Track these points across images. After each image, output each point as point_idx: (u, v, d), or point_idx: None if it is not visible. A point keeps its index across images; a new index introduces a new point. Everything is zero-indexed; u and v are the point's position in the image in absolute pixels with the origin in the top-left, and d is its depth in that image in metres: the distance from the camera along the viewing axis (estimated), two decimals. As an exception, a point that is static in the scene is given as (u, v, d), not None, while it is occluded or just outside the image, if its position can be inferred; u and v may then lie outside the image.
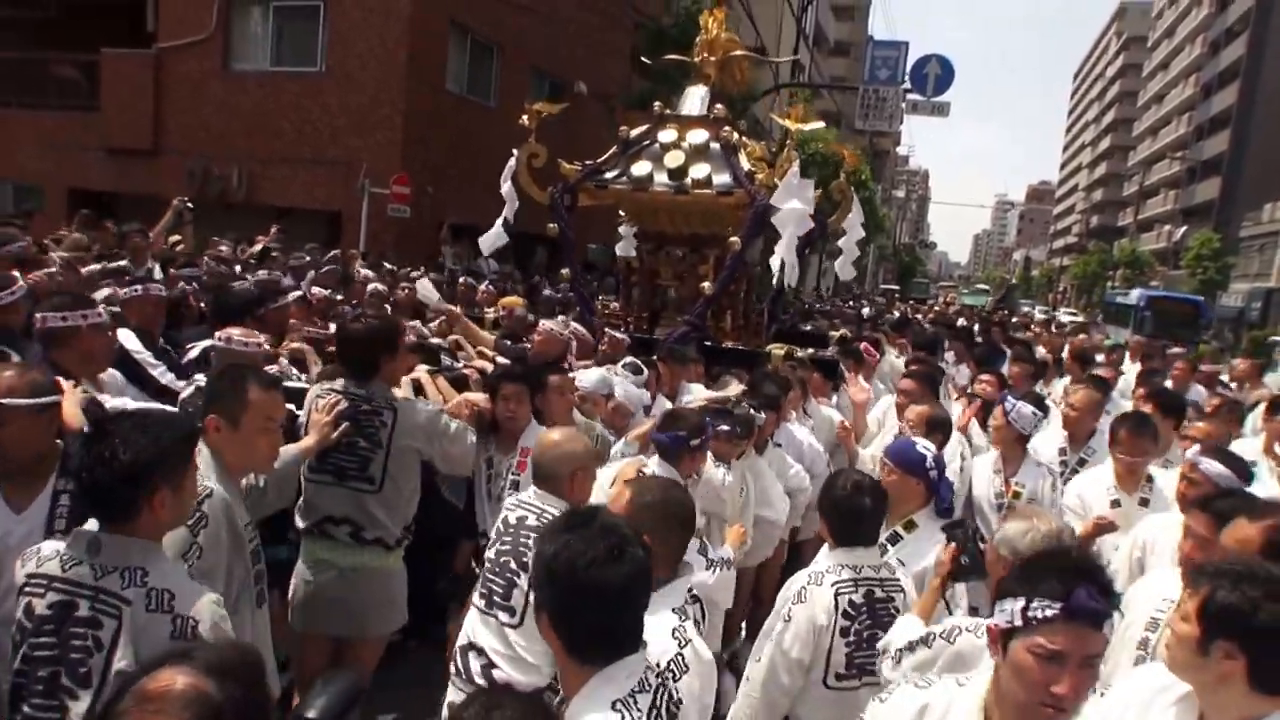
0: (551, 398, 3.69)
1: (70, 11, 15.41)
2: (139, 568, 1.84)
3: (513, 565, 2.59)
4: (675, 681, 1.85)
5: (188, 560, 2.17)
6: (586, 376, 4.13)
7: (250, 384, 2.47)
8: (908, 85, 21.11)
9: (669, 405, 4.36)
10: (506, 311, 6.09)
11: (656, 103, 6.35)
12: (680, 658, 1.94)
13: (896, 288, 45.89)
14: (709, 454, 3.47)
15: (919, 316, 18.92)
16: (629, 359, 4.58)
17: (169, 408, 3.11)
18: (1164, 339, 15.73)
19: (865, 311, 15.74)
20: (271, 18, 14.03)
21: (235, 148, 14.02)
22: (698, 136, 5.84)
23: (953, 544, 2.51)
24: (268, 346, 3.69)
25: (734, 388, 4.37)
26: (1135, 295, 29.51)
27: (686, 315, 5.75)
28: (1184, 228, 54.99)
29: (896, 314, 18.52)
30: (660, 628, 1.95)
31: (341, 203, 13.46)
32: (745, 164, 5.81)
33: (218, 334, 3.52)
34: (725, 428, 3.59)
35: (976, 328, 14.20)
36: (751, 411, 3.84)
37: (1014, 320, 23.57)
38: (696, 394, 4.54)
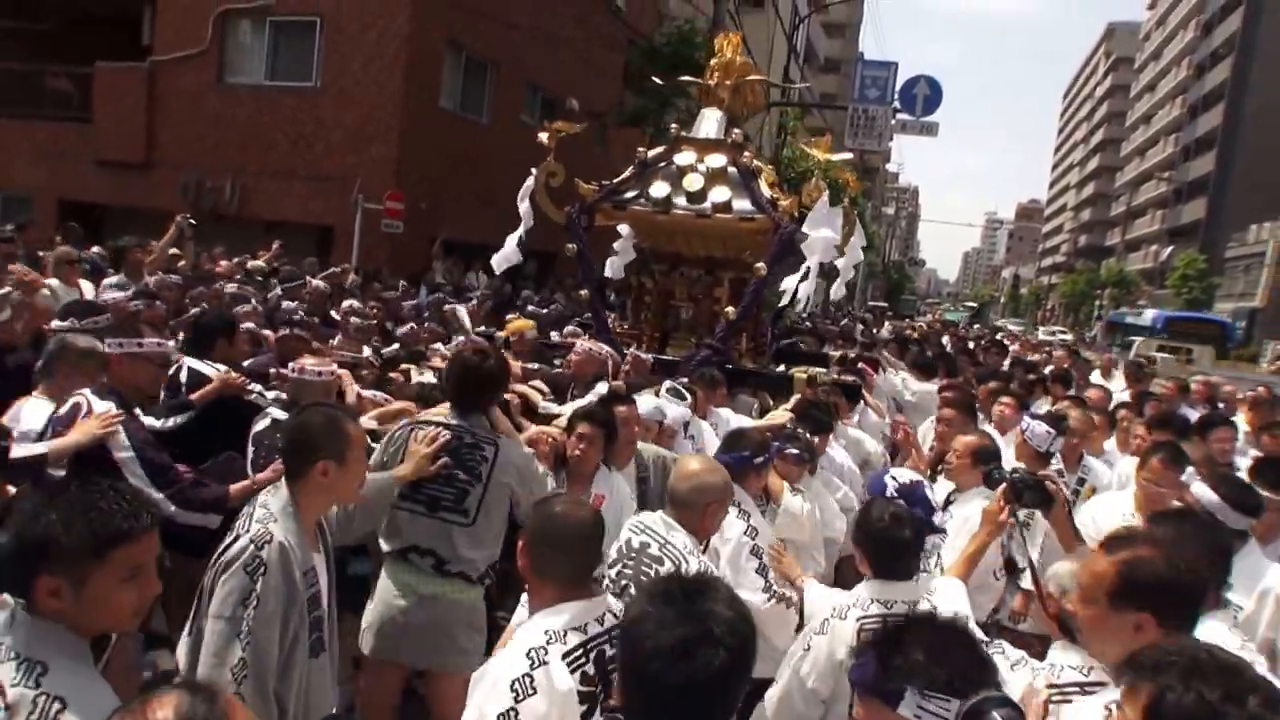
0: (619, 429, 3.64)
1: (67, 24, 15.52)
2: (40, 662, 1.55)
3: (627, 588, 2.53)
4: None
5: (247, 608, 2.14)
6: (641, 404, 4.10)
7: (345, 420, 2.47)
8: (897, 105, 21.40)
9: (703, 427, 4.45)
10: (516, 336, 6.00)
11: (674, 125, 6.39)
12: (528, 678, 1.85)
13: (885, 304, 46.21)
14: (785, 482, 3.56)
15: (909, 332, 19.09)
16: (670, 384, 4.55)
17: (128, 483, 2.92)
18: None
19: (859, 330, 15.78)
20: (268, 32, 14.11)
21: (228, 161, 14.06)
22: (716, 160, 5.86)
23: (1002, 483, 2.65)
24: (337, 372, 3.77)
25: (781, 414, 4.45)
26: (1150, 316, 28.48)
27: (706, 339, 5.79)
28: (1170, 248, 55.51)
29: (885, 331, 18.68)
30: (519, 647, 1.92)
31: (334, 217, 13.51)
32: (766, 190, 5.87)
33: (291, 364, 3.57)
34: (794, 451, 3.66)
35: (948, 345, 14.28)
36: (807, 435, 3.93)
37: (991, 336, 23.65)
38: (726, 417, 4.61)
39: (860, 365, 6.46)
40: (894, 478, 3.18)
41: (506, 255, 6.08)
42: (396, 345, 5.44)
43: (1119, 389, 8.27)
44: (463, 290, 12.36)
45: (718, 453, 3.48)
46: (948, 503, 3.65)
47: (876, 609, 2.49)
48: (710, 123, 6.09)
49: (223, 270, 8.30)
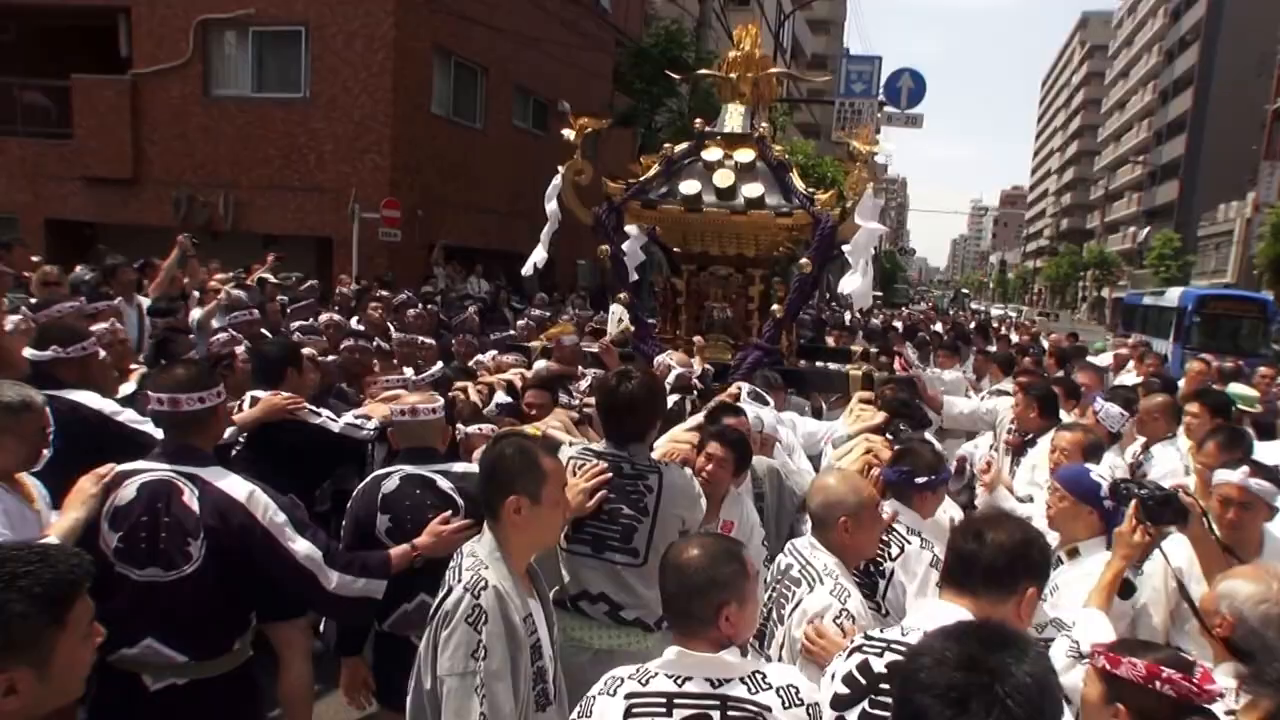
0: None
1: (34, 37, 15.19)
2: None
3: (770, 614, 2.39)
4: None
5: (477, 660, 2.02)
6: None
7: (539, 453, 2.25)
8: (883, 99, 21.47)
9: (782, 433, 4.17)
10: (554, 342, 5.73)
11: (698, 120, 6.22)
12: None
13: (880, 294, 46.49)
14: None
15: (898, 320, 19.29)
16: (748, 386, 4.39)
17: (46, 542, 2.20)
18: (1219, 353, 12.10)
19: (847, 318, 15.87)
20: (251, 43, 13.94)
21: (220, 175, 13.89)
22: (744, 155, 5.72)
23: (1133, 500, 2.50)
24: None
25: (869, 413, 4.16)
26: (1175, 295, 21.56)
27: (753, 339, 5.63)
28: (1147, 228, 56.31)
29: (878, 320, 18.80)
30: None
31: (332, 228, 13.40)
32: (799, 184, 5.74)
33: (394, 407, 3.15)
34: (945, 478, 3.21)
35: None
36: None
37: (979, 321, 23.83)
38: (790, 420, 4.41)
39: (897, 359, 6.36)
40: (1102, 476, 2.92)
41: (537, 257, 5.91)
42: (440, 365, 5.13)
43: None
44: (465, 296, 12.33)
45: (886, 470, 3.16)
46: None
47: None
48: (735, 117, 5.92)
49: (215, 284, 8.17)
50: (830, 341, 9.73)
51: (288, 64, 13.81)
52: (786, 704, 1.76)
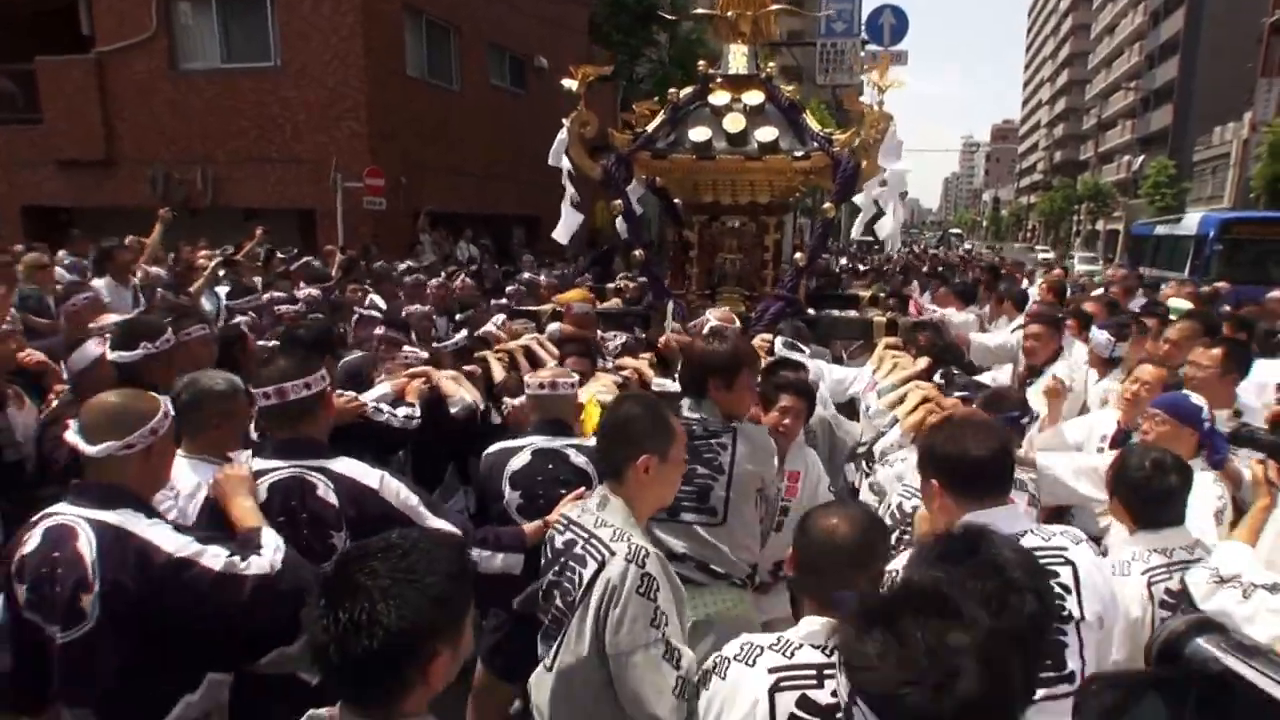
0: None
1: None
2: None
3: None
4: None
5: (659, 628, 1.95)
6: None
7: (668, 413, 2.24)
8: (865, 37, 21.05)
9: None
10: (565, 306, 5.59)
11: (701, 63, 5.98)
12: None
13: (872, 238, 46.29)
14: None
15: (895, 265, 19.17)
16: (783, 338, 4.31)
17: (430, 527, 2.42)
18: (1244, 283, 10.79)
19: (839, 265, 15.80)
20: (215, 13, 13.62)
21: (195, 151, 13.69)
22: (753, 97, 5.48)
23: (1255, 451, 2.68)
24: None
25: (906, 359, 4.07)
26: (1194, 221, 19.04)
27: (776, 289, 5.49)
28: (1142, 156, 55.78)
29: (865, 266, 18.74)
30: None
31: (314, 199, 13.23)
32: (815, 125, 5.55)
33: (531, 379, 3.11)
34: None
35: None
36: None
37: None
38: (818, 369, 4.25)
39: (911, 302, 6.34)
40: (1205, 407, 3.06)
41: (568, 223, 5.69)
42: (463, 333, 4.90)
43: None
44: (452, 260, 12.21)
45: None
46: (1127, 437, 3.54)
47: (1159, 559, 2.35)
48: (738, 58, 5.67)
49: (202, 262, 8.10)
50: (858, 290, 9.52)
51: (254, 32, 13.50)
52: None
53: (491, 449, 3.01)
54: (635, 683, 1.94)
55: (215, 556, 2.06)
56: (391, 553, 1.37)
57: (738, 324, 4.81)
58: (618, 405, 2.31)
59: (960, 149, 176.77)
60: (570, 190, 5.64)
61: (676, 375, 3.97)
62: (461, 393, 3.53)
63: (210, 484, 2.35)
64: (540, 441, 2.93)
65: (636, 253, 5.80)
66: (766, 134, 5.34)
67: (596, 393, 3.43)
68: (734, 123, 5.38)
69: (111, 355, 3.20)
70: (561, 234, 5.78)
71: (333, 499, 2.36)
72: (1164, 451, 2.54)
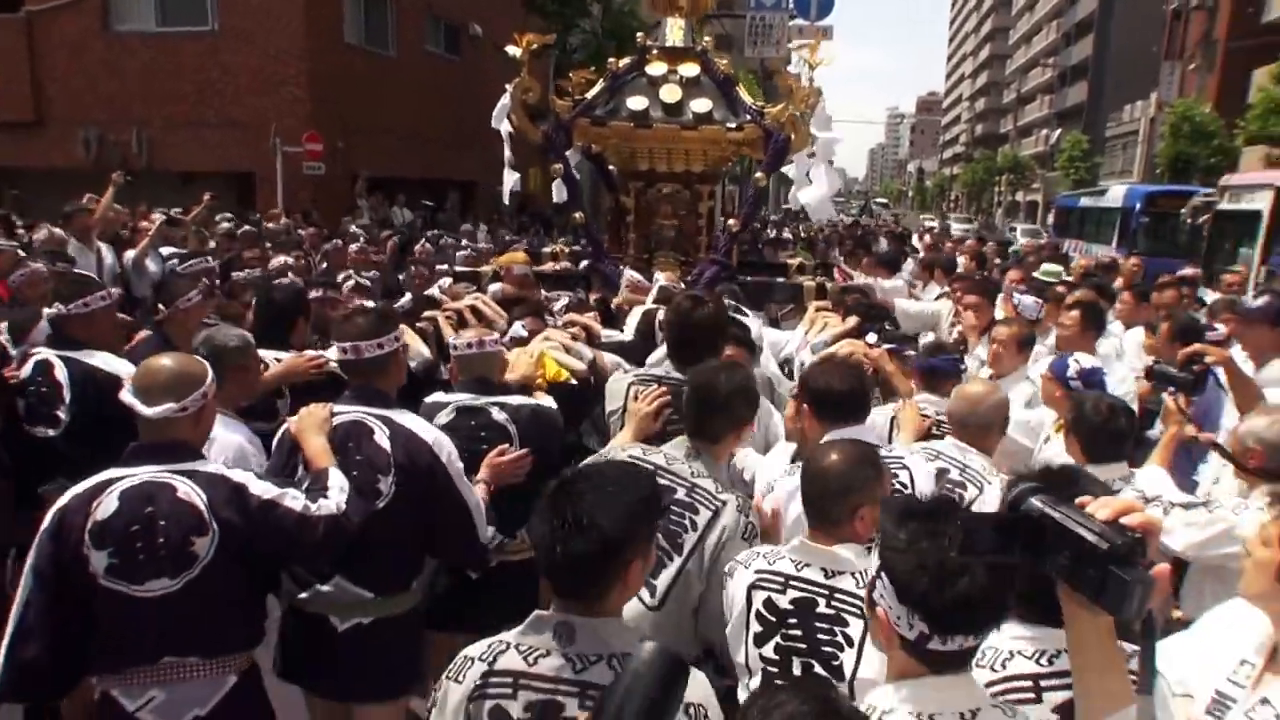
0: None
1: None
2: (627, 654, 1.53)
3: None
4: None
5: None
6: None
7: (754, 382, 2.54)
8: (792, 10, 21.75)
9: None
10: (505, 268, 5.66)
11: (639, 35, 6.12)
12: None
13: (799, 208, 47.16)
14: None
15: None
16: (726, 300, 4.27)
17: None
18: (1170, 257, 11.43)
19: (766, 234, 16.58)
20: (152, -26, 13.63)
21: (129, 113, 13.73)
22: (689, 69, 5.65)
23: (1167, 384, 3.15)
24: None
25: (835, 319, 4.30)
26: (1119, 194, 19.30)
27: (710, 254, 5.72)
28: (1058, 131, 57.64)
29: (786, 233, 19.52)
30: None
31: (253, 163, 13.47)
32: (747, 97, 5.75)
33: (456, 339, 3.19)
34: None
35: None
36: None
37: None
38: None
39: (837, 270, 6.63)
40: (1076, 360, 3.48)
41: (507, 182, 5.93)
42: (408, 297, 5.08)
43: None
44: (386, 224, 12.60)
45: (921, 360, 3.55)
46: None
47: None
48: (675, 30, 5.85)
49: (145, 225, 8.22)
50: (785, 258, 9.50)
51: (192, -5, 13.56)
52: None
53: (425, 404, 3.07)
54: (723, 610, 2.14)
55: (295, 498, 2.21)
56: (596, 477, 1.67)
57: (681, 285, 4.98)
58: (713, 374, 2.52)
59: (886, 120, 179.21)
60: (508, 152, 5.92)
61: (627, 328, 4.35)
62: (419, 348, 3.68)
63: (292, 421, 2.53)
64: (465, 399, 3.00)
65: (577, 215, 6.01)
66: (701, 105, 5.55)
67: (548, 348, 3.57)
68: (670, 93, 5.57)
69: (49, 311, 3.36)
70: (506, 191, 6.05)
71: (386, 445, 2.47)
72: (1115, 399, 2.95)
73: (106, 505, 2.07)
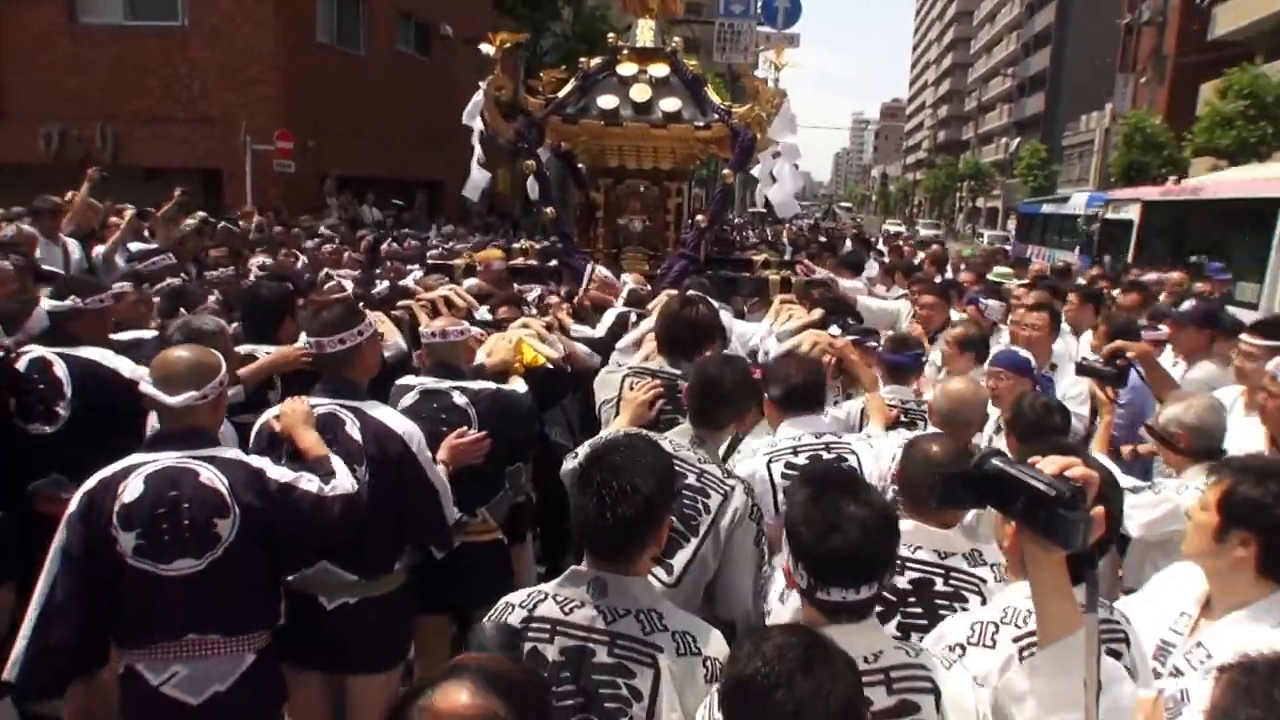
0: None
1: None
2: (652, 610, 1.73)
3: None
4: None
5: (760, 547, 2.36)
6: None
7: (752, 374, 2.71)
8: (760, 18, 22.15)
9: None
10: (483, 264, 5.75)
11: (610, 35, 6.36)
12: None
13: (765, 210, 47.65)
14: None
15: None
16: (694, 293, 4.36)
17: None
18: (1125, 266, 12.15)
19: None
20: (120, -32, 13.52)
21: (94, 107, 13.60)
22: (659, 70, 5.82)
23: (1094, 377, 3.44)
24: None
25: (800, 310, 4.43)
26: (1080, 200, 19.96)
27: (680, 249, 5.85)
28: (1017, 139, 58.91)
29: (753, 235, 19.84)
30: None
31: (221, 160, 13.44)
32: (715, 98, 5.93)
33: (424, 329, 3.30)
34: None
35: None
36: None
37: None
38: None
39: (800, 266, 6.61)
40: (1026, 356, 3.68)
41: (475, 180, 6.04)
42: (384, 284, 5.15)
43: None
44: (355, 223, 12.64)
45: (887, 353, 3.68)
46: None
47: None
48: (646, 32, 6.05)
49: (115, 220, 8.14)
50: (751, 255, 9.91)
51: (161, -9, 13.49)
52: (998, 577, 2.03)
53: (395, 385, 3.19)
54: (739, 586, 2.35)
55: (310, 480, 2.30)
56: (628, 449, 1.83)
57: (649, 286, 5.08)
58: (713, 367, 2.67)
59: (851, 125, 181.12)
60: (478, 150, 5.94)
61: (601, 325, 4.43)
62: (395, 338, 3.75)
63: (274, 416, 2.59)
64: (429, 383, 3.13)
65: (548, 210, 6.10)
66: (671, 104, 5.74)
67: (526, 335, 3.71)
68: (640, 93, 5.75)
69: (46, 305, 3.36)
70: (471, 191, 6.18)
71: (357, 435, 2.55)
72: (1049, 397, 3.21)
73: (133, 488, 2.15)
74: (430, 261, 6.87)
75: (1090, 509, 1.30)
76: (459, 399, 3.07)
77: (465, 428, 2.96)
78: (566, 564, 1.99)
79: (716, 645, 1.74)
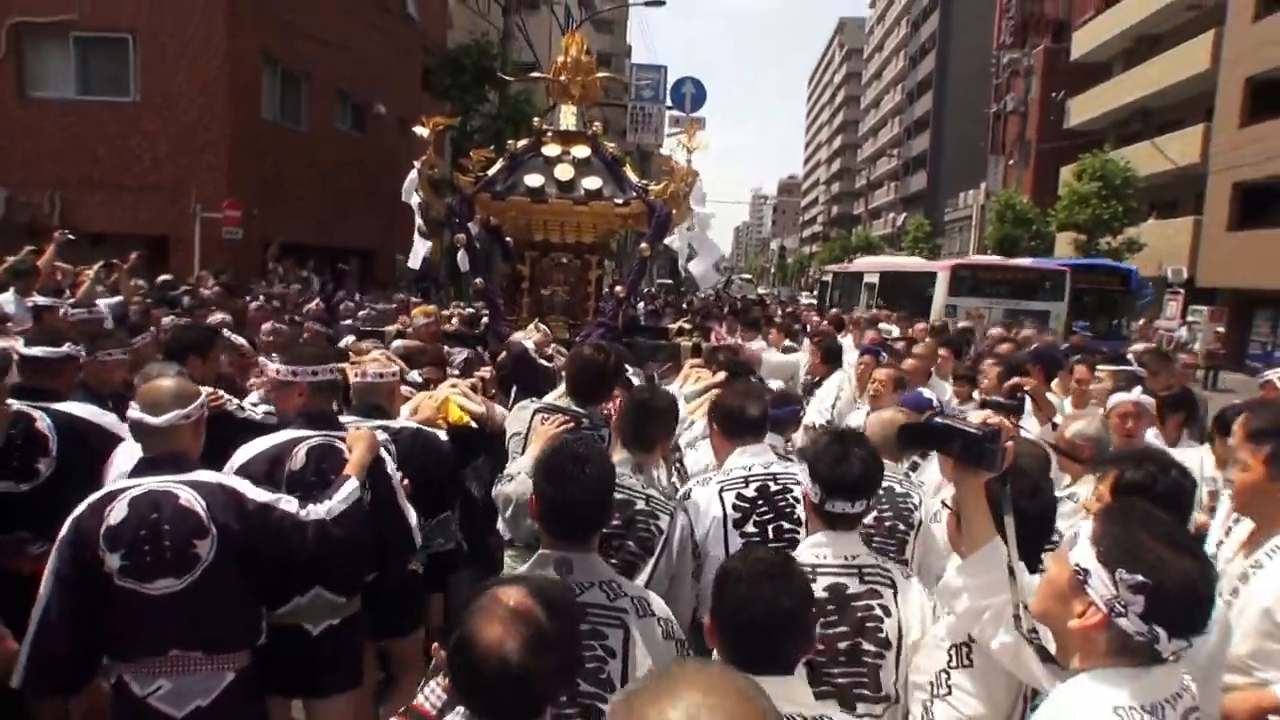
0: None
1: None
2: (611, 581, 2.00)
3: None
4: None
5: (696, 557, 2.66)
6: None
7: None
8: (669, 104, 24.25)
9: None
10: (412, 321, 6.16)
11: (536, 119, 6.89)
12: None
13: (670, 281, 49.28)
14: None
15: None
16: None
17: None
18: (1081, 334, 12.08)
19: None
20: (73, 47, 14.10)
21: (44, 173, 13.93)
22: (580, 151, 6.22)
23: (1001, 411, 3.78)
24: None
25: (706, 374, 4.80)
26: (832, 269, 24.47)
27: (599, 318, 6.24)
28: (904, 214, 62.86)
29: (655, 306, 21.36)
30: None
31: (167, 227, 13.94)
32: (632, 176, 6.42)
33: (354, 371, 3.52)
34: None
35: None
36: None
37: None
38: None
39: (714, 332, 7.53)
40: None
41: (418, 250, 6.53)
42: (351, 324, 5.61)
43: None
44: (307, 287, 13.30)
45: (771, 408, 3.79)
46: None
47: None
48: (568, 116, 6.52)
49: (85, 279, 7.84)
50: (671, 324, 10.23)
51: (115, 68, 14.16)
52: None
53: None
54: (684, 602, 2.62)
55: (288, 503, 2.40)
56: (575, 447, 2.11)
57: (554, 345, 5.32)
58: (645, 395, 3.02)
59: (750, 200, 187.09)
60: (419, 221, 6.39)
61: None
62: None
63: (350, 435, 2.79)
64: (355, 420, 3.28)
65: (477, 281, 6.51)
66: (592, 183, 6.09)
67: (452, 395, 3.98)
68: (564, 172, 6.10)
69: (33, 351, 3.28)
70: (414, 260, 6.62)
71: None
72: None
73: (118, 512, 2.25)
74: (361, 329, 7.07)
75: (1004, 444, 1.80)
76: (380, 436, 3.07)
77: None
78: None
79: (661, 607, 2.08)
